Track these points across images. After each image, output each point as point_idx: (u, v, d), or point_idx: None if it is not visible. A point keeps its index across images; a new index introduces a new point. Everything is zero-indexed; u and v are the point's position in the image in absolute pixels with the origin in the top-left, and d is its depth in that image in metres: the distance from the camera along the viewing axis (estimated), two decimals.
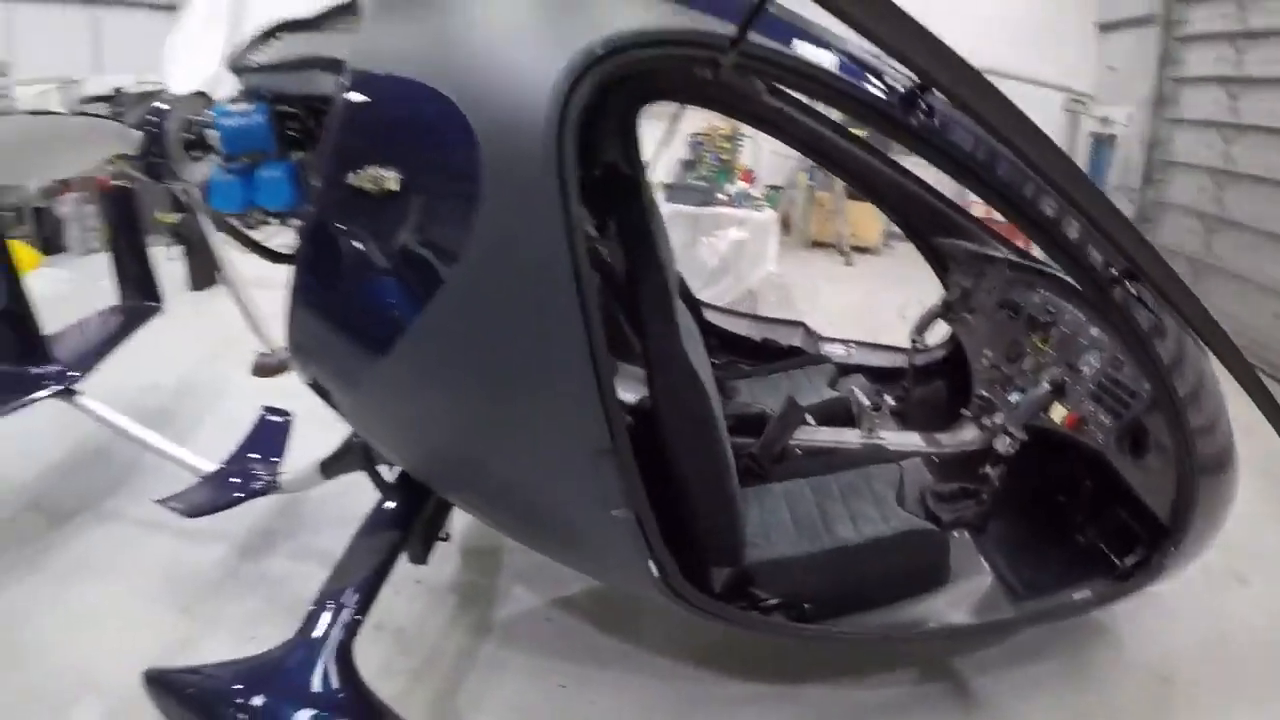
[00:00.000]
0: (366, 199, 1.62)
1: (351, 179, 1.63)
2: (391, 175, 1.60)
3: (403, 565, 2.32)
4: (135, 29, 10.79)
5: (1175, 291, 1.85)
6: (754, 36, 1.64)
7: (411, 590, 2.86)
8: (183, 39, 2.36)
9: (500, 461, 1.93)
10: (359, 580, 2.01)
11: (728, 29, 1.62)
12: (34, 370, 3.31)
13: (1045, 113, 11.53)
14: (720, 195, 6.80)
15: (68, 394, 3.31)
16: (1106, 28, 11.54)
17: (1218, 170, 9.15)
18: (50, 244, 7.66)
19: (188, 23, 2.44)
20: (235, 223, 2.03)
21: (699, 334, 2.54)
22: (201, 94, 2.09)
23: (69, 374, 3.34)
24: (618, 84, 1.97)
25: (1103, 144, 11.20)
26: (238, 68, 2.07)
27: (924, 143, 1.89)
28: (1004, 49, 11.31)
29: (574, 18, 1.68)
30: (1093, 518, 2.64)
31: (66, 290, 6.15)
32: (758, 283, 6.43)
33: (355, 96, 1.68)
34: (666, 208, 6.53)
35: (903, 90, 1.84)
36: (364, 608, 1.98)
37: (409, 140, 1.66)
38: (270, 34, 2.10)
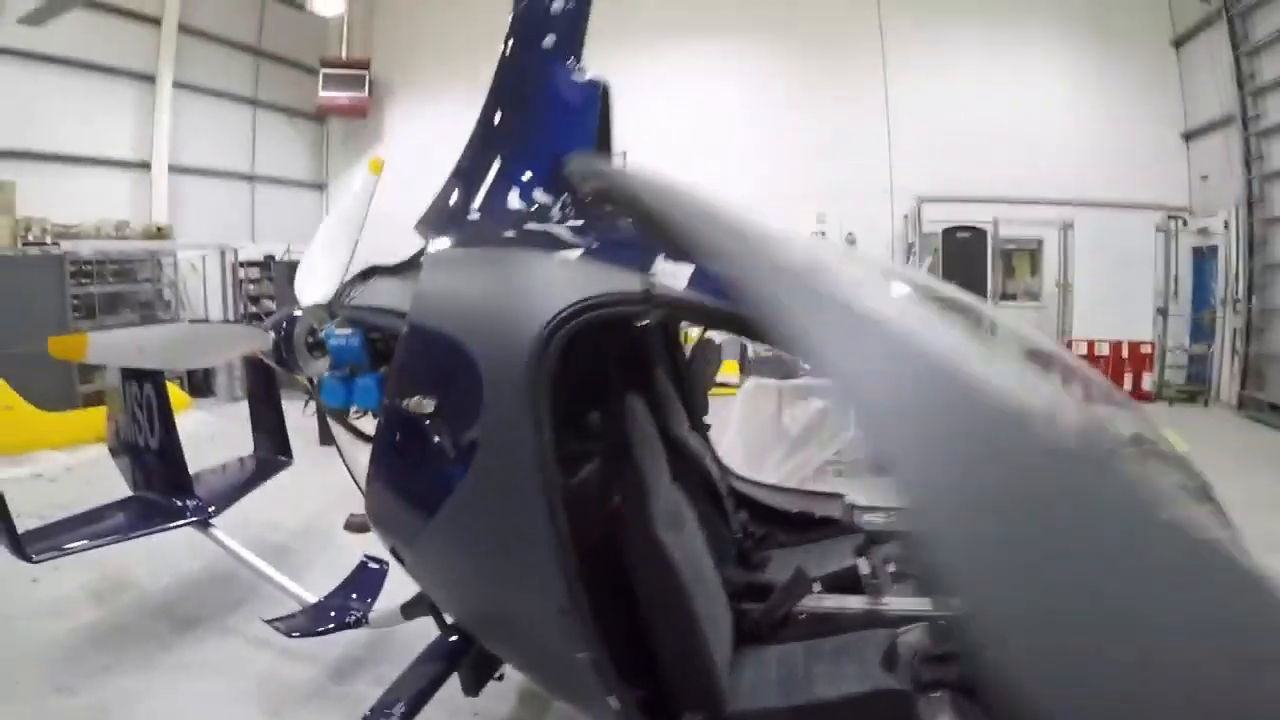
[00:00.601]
0: (414, 414, 2.19)
1: (403, 401, 2.21)
2: (429, 401, 2.16)
3: (465, 700, 2.70)
4: (286, 202, 12.58)
5: None
6: (664, 287, 2.02)
7: (467, 716, 3.15)
8: (310, 262, 3.05)
9: (501, 612, 2.35)
10: (408, 697, 2.42)
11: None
12: (178, 502, 3.92)
13: (1143, 238, 11.24)
14: (802, 366, 6.90)
15: (203, 525, 3.89)
16: (1191, 136, 11.42)
17: None
18: (199, 388, 8.80)
19: (314, 249, 3.15)
20: (339, 411, 2.58)
21: (691, 511, 2.73)
22: (323, 306, 2.71)
23: (207, 509, 3.93)
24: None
25: (1204, 258, 10.84)
26: (341, 300, 2.71)
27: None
28: (1093, 174, 11.29)
29: (547, 288, 2.15)
30: None
31: (211, 431, 7.07)
32: (839, 450, 6.49)
33: (407, 341, 2.29)
34: (750, 381, 6.82)
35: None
36: (408, 718, 2.37)
37: (439, 375, 2.20)
38: (365, 275, 2.74)
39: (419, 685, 2.47)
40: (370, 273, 2.78)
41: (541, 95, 2.50)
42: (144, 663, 3.59)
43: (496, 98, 2.57)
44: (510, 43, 2.53)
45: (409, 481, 2.33)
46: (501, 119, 2.55)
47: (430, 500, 2.21)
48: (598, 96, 2.48)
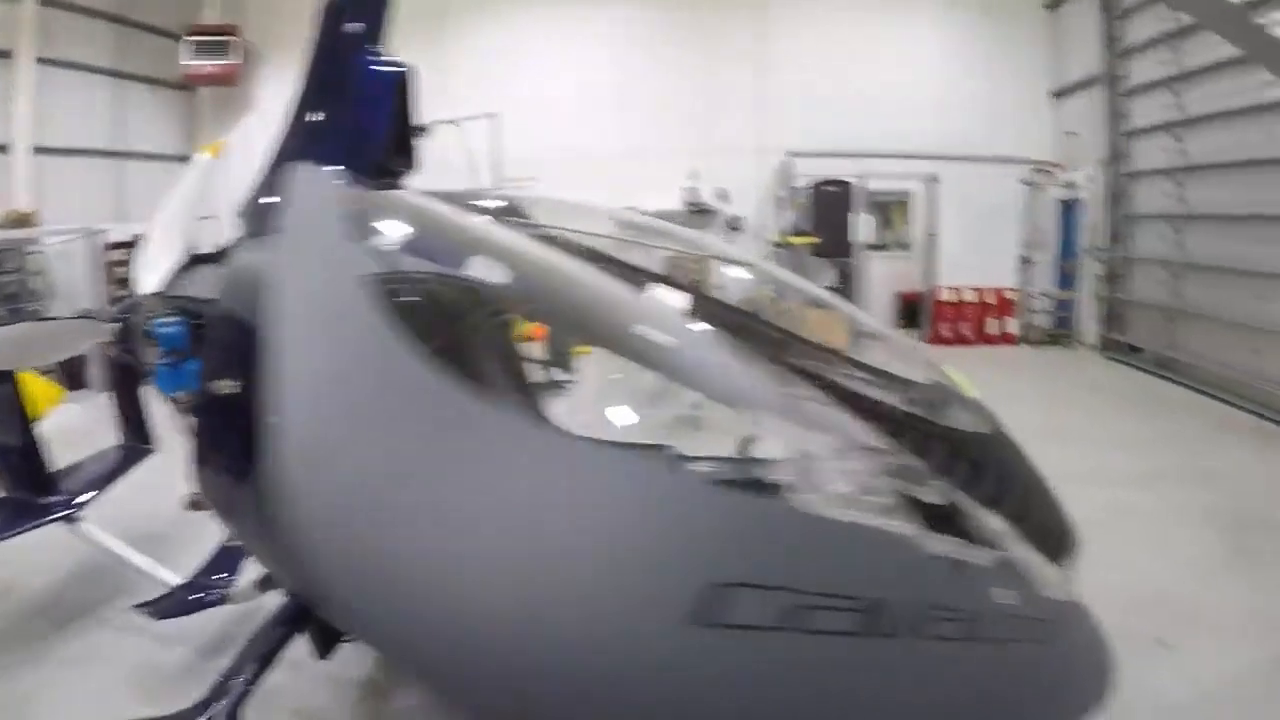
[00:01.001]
0: (221, 395, 2.27)
1: (211, 383, 2.30)
2: (228, 382, 2.25)
3: (325, 665, 2.82)
4: (155, 179, 11.90)
5: None
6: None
7: (323, 680, 3.31)
8: (148, 251, 3.03)
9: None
10: (253, 658, 2.56)
11: None
12: (42, 500, 3.86)
13: (1011, 191, 11.85)
14: None
15: (70, 520, 3.85)
16: (1060, 94, 12.04)
17: (1176, 216, 9.49)
18: (74, 381, 8.38)
19: (152, 237, 3.12)
20: (173, 397, 2.62)
21: None
22: (160, 295, 2.72)
23: (72, 504, 3.88)
24: None
25: (1070, 209, 11.52)
26: (167, 290, 2.74)
27: None
28: (964, 129, 11.81)
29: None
30: None
31: (84, 425, 6.80)
32: None
33: (215, 325, 2.39)
34: None
35: None
36: (255, 679, 2.51)
37: (242, 356, 2.23)
38: (190, 264, 2.76)
39: (263, 649, 2.59)
40: (194, 261, 2.80)
41: (346, 80, 2.56)
42: (31, 662, 3.62)
43: (304, 84, 2.61)
44: (317, 28, 2.57)
45: (222, 458, 2.41)
46: (309, 105, 2.60)
47: (240, 473, 2.28)
48: (401, 80, 2.56)
